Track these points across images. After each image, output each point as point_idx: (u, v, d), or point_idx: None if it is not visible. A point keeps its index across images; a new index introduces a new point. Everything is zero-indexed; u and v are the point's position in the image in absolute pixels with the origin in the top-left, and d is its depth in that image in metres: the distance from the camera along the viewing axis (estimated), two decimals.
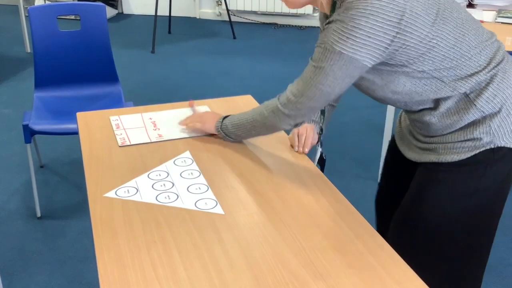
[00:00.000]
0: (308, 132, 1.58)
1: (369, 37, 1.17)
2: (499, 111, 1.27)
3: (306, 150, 1.57)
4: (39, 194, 2.59)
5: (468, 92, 1.27)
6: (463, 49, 1.25)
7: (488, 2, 3.02)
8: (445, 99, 1.28)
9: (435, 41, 1.22)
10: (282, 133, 1.65)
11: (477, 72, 1.26)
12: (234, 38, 5.03)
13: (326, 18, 1.38)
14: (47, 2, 5.54)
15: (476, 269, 1.47)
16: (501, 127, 1.28)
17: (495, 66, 1.28)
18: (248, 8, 5.41)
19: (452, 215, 1.36)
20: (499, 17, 2.80)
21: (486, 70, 1.27)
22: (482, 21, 2.76)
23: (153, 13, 4.79)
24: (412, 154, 1.44)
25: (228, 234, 1.21)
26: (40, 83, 2.67)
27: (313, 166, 1.50)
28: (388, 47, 1.19)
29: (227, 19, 5.09)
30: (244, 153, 1.54)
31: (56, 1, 5.56)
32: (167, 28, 5.19)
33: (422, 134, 1.40)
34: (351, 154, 3.06)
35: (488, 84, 1.27)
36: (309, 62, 1.29)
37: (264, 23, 5.48)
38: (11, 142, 3.19)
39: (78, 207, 2.63)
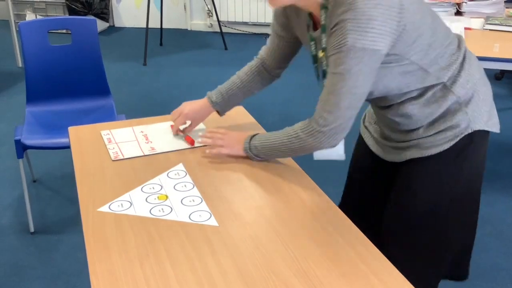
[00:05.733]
0: (194, 113, 1.64)
1: (383, 25, 1.19)
2: (472, 96, 1.37)
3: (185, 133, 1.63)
4: (32, 209, 2.58)
5: (446, 80, 1.35)
6: (440, 39, 1.33)
7: (475, 10, 3.05)
8: (427, 88, 1.36)
9: (421, 30, 1.28)
10: None
11: (453, 61, 1.35)
12: (226, 49, 5.05)
13: (307, 26, 1.41)
14: (38, 17, 5.54)
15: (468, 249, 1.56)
16: (475, 111, 1.37)
17: (463, 54, 1.38)
18: (239, 19, 5.44)
19: (443, 204, 1.42)
20: (486, 24, 2.83)
21: (458, 58, 1.36)
22: (470, 29, 2.80)
23: (145, 26, 4.80)
24: (394, 156, 1.48)
25: (221, 245, 1.21)
26: (32, 97, 2.67)
27: (306, 177, 1.50)
28: (396, 32, 1.23)
29: (218, 30, 5.11)
30: (237, 165, 1.55)
31: (47, 16, 5.57)
32: (158, 40, 5.21)
33: (399, 131, 1.44)
34: (345, 162, 3.07)
35: (460, 71, 1.36)
36: (329, 73, 1.28)
37: (255, 34, 5.50)
38: (3, 157, 3.18)
39: (71, 221, 2.63)
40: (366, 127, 1.64)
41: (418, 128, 1.40)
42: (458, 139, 1.36)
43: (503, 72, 4.34)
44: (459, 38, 1.42)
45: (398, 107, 1.39)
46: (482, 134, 1.39)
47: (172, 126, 1.73)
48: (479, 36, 2.71)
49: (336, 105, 1.27)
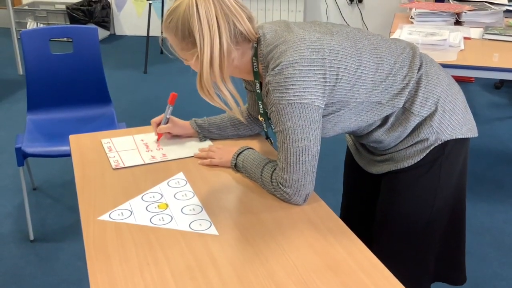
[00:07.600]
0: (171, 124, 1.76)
1: (304, 80, 1.27)
2: (435, 110, 1.38)
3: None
4: (32, 217, 2.58)
5: (402, 105, 1.37)
6: (386, 69, 1.35)
7: (475, 20, 3.07)
8: (388, 116, 1.39)
9: (360, 70, 1.32)
10: (273, 151, 1.67)
11: (406, 84, 1.36)
12: None
13: (254, 84, 1.50)
14: (40, 25, 5.56)
15: (459, 252, 1.58)
16: (442, 123, 1.38)
17: (417, 73, 1.38)
18: None
19: (424, 213, 1.45)
20: (486, 34, 2.85)
21: (412, 78, 1.37)
22: (469, 38, 2.81)
23: (145, 34, 4.82)
24: (373, 168, 1.52)
25: (222, 254, 1.22)
26: (33, 105, 2.68)
27: None
28: (325, 84, 1.29)
29: None
30: (237, 175, 1.55)
31: (49, 24, 5.59)
32: (159, 48, 5.22)
33: (376, 149, 1.49)
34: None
35: (417, 90, 1.37)
36: (276, 133, 1.35)
37: None
38: (3, 165, 3.18)
39: (71, 229, 2.62)
40: (349, 138, 1.69)
41: (390, 147, 1.45)
42: (428, 150, 1.39)
43: (502, 82, 4.35)
44: (413, 52, 1.42)
45: (367, 136, 1.45)
46: (456, 142, 1.41)
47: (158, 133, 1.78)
48: (478, 46, 2.72)
49: (285, 161, 1.33)
